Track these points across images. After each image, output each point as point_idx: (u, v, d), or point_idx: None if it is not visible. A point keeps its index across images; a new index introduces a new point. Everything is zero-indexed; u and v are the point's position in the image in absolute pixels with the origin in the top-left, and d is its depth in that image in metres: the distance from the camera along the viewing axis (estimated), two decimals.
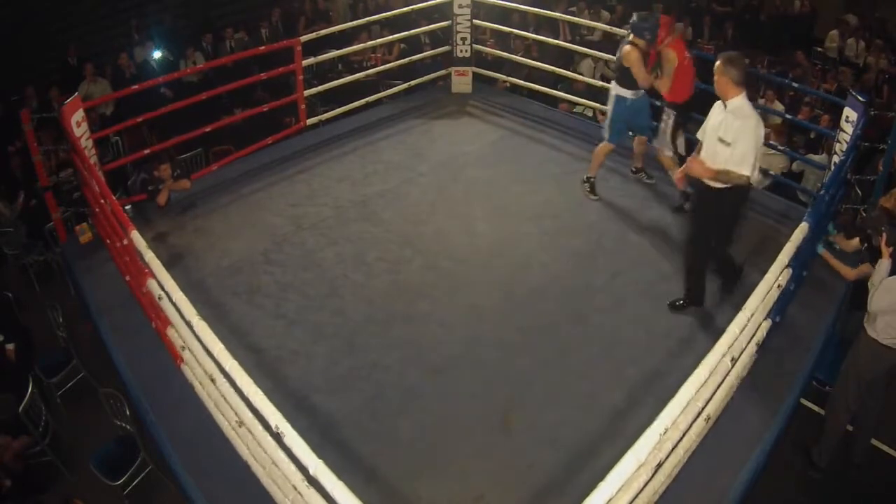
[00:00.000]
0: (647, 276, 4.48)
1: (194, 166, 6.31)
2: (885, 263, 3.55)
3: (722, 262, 4.18)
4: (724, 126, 3.64)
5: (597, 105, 6.78)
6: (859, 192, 5.74)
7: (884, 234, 3.57)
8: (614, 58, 7.17)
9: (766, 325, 3.50)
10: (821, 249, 4.17)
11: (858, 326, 3.78)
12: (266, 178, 5.62)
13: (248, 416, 2.69)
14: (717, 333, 2.76)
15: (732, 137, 3.59)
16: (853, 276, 4.09)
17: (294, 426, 2.33)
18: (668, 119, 4.98)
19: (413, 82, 6.98)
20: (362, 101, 6.63)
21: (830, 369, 4.11)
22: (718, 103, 3.74)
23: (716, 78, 3.62)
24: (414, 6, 7.14)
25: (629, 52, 4.77)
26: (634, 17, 4.78)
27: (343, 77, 6.93)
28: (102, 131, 5.52)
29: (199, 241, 4.89)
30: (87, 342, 4.73)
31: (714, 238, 3.99)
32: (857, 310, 4.09)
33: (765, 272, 3.10)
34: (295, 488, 2.47)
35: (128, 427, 3.83)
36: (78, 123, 4.58)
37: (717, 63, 3.60)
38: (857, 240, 4.18)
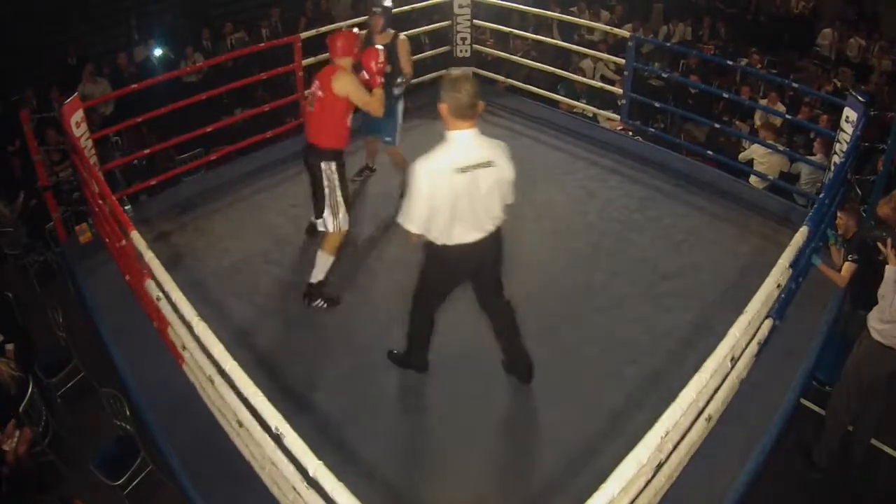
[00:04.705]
0: (647, 276, 4.48)
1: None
2: (892, 270, 3.54)
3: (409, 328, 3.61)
4: None
5: (594, 109, 6.79)
6: (859, 192, 5.74)
7: (888, 241, 3.56)
8: (613, 58, 7.20)
9: (768, 325, 3.51)
10: (818, 262, 4.16)
11: (860, 327, 3.78)
12: (267, 179, 5.62)
13: (247, 416, 2.69)
14: (717, 333, 2.76)
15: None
16: (845, 282, 4.08)
17: (294, 426, 2.33)
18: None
19: (413, 82, 6.98)
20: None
21: (830, 369, 4.11)
22: None
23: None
24: (414, 6, 7.14)
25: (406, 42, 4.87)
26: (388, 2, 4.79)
27: None
28: (102, 131, 5.51)
29: (199, 241, 4.89)
30: (87, 342, 4.73)
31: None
32: (859, 310, 4.09)
33: (766, 275, 3.10)
34: (295, 489, 2.47)
35: (128, 427, 3.83)
36: (78, 124, 4.58)
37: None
38: (847, 264, 4.13)
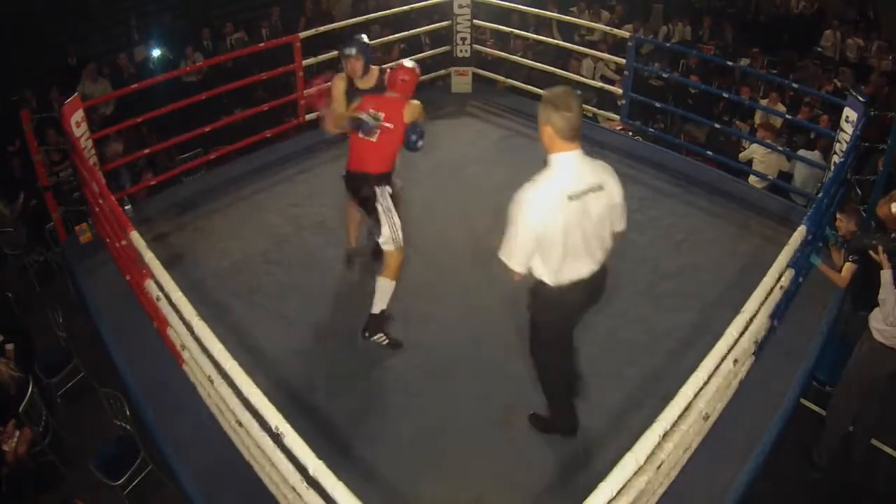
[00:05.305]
0: (646, 276, 4.48)
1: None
2: (887, 274, 3.56)
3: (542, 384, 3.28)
4: None
5: (594, 109, 6.79)
6: (859, 192, 5.74)
7: (879, 247, 3.58)
8: (614, 58, 7.18)
9: (767, 325, 3.51)
10: (818, 262, 4.16)
11: (860, 327, 3.78)
12: (267, 178, 5.63)
13: (247, 416, 2.69)
14: (717, 333, 2.76)
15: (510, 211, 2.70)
16: (846, 283, 4.09)
17: (294, 426, 2.33)
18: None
19: None
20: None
21: (830, 369, 4.11)
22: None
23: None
24: (413, 6, 7.15)
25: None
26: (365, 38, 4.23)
27: None
28: (102, 131, 5.52)
29: (199, 242, 4.89)
30: (87, 342, 4.73)
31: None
32: (859, 310, 4.09)
33: (765, 275, 3.11)
34: (294, 489, 2.47)
35: (128, 427, 3.83)
36: (78, 123, 4.58)
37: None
38: (848, 264, 4.12)
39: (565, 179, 2.64)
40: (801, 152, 6.14)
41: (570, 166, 2.65)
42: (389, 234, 3.85)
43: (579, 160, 2.67)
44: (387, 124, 3.80)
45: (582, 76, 7.73)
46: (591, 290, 2.93)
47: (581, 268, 2.81)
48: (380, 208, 3.85)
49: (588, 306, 3.06)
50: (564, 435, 3.35)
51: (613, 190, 2.77)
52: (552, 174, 2.66)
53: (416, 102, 3.90)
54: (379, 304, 3.89)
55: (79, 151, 4.51)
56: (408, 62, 4.07)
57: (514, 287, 2.81)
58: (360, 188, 3.92)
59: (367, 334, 3.93)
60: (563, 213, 2.62)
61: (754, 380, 3.50)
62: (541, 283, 2.84)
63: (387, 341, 3.94)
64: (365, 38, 4.20)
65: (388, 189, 3.90)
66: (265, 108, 6.09)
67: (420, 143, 3.90)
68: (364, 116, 3.79)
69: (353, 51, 4.09)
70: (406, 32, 7.17)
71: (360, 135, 3.81)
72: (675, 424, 2.43)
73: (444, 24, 7.04)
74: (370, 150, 3.84)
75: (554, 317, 2.97)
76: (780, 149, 6.14)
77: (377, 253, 4.48)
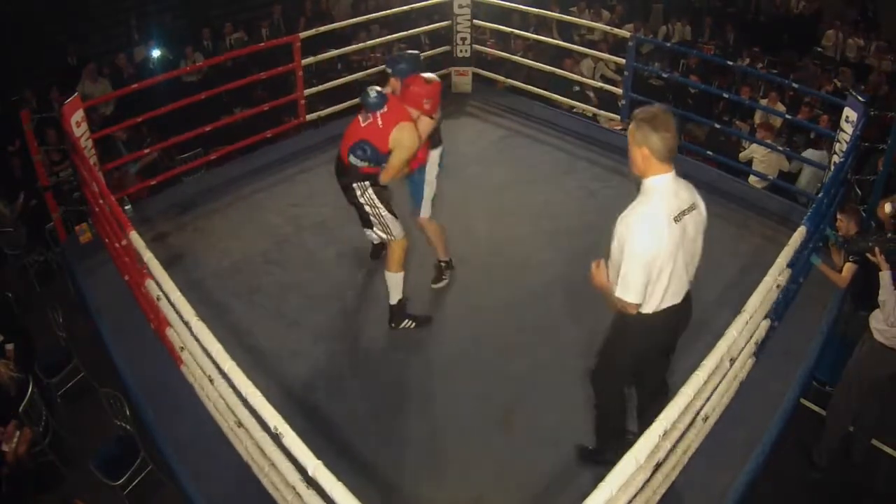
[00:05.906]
0: None
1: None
2: (886, 275, 3.56)
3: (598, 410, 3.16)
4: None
5: (594, 109, 6.80)
6: (859, 191, 5.74)
7: (876, 249, 3.59)
8: (614, 58, 7.17)
9: (766, 325, 3.51)
10: (818, 262, 4.16)
11: (861, 327, 3.78)
12: (267, 178, 5.62)
13: (247, 416, 2.69)
14: (717, 333, 2.76)
15: (617, 243, 2.60)
16: (846, 283, 4.09)
17: (294, 426, 2.32)
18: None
19: None
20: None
21: (830, 369, 4.11)
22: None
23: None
24: (413, 6, 7.15)
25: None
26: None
27: (343, 77, 6.93)
28: (102, 131, 5.52)
29: (199, 242, 4.89)
30: (87, 342, 4.73)
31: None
32: (859, 310, 4.08)
33: (764, 274, 3.11)
34: (294, 489, 2.47)
35: (128, 427, 3.83)
36: (78, 123, 4.58)
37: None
38: (848, 264, 4.10)
39: (666, 203, 2.54)
40: (809, 152, 6.12)
41: (669, 189, 2.56)
42: (382, 233, 3.86)
43: (675, 181, 2.58)
44: (378, 121, 3.67)
45: (582, 76, 7.74)
46: (681, 317, 2.82)
47: (676, 293, 2.69)
48: (367, 209, 3.80)
49: (680, 332, 2.93)
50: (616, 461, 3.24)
51: (703, 208, 2.68)
52: (653, 199, 2.55)
53: (411, 134, 3.65)
54: (394, 295, 4.00)
55: (79, 151, 4.51)
56: (427, 74, 3.90)
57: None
58: (339, 174, 3.85)
59: (393, 325, 4.04)
60: (670, 238, 2.52)
61: (754, 380, 3.50)
62: (634, 314, 2.69)
63: (414, 324, 4.04)
64: (412, 57, 4.01)
65: (369, 185, 3.74)
66: (265, 107, 6.09)
67: (353, 158, 3.68)
68: (371, 90, 3.73)
69: (389, 70, 3.97)
70: (406, 32, 7.16)
71: (363, 108, 3.74)
72: (675, 424, 2.43)
73: (444, 24, 7.04)
74: (354, 132, 3.72)
75: (643, 347, 2.85)
76: (780, 149, 6.14)
77: (374, 253, 4.53)
